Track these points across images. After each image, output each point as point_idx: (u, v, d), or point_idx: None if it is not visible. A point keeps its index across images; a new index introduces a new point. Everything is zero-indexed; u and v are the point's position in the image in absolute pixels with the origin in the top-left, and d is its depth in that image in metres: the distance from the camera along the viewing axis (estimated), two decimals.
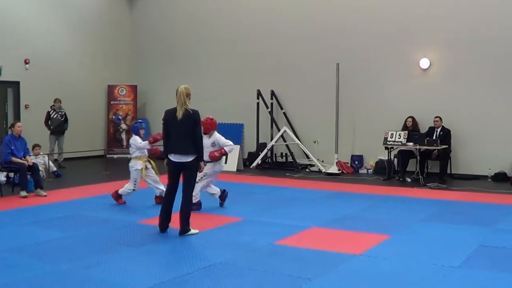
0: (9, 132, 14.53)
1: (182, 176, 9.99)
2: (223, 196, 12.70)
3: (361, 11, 19.17)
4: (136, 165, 12.60)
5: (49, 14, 20.94)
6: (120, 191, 12.70)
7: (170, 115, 9.84)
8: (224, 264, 8.20)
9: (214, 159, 12.19)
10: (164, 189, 11.25)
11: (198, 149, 9.84)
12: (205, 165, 11.04)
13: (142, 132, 12.78)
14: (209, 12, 22.22)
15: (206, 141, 11.84)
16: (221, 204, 12.62)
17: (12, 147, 13.82)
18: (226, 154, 12.38)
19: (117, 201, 12.70)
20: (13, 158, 13.73)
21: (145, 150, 12.69)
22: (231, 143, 12.38)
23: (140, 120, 13.21)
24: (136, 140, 12.61)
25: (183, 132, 9.73)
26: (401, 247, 9.33)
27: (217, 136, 12.28)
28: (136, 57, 23.99)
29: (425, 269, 8.06)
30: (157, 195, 12.74)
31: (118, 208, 12.31)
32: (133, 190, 12.68)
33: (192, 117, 9.78)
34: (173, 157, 9.81)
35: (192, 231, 9.98)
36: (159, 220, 10.06)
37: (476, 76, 17.47)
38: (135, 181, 12.61)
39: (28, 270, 7.87)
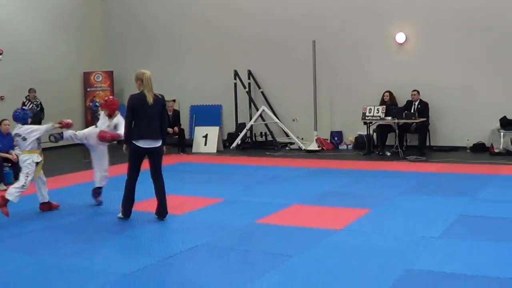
0: None
1: (149, 163, 9.80)
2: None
3: None
4: (32, 157, 10.58)
5: (20, 2, 20.73)
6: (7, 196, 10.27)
7: (138, 100, 9.54)
8: (206, 246, 8.24)
9: (104, 140, 10.90)
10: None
11: (164, 134, 9.93)
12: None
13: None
14: None
15: (107, 124, 11.10)
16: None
17: (0, 146, 13.78)
18: (116, 140, 11.16)
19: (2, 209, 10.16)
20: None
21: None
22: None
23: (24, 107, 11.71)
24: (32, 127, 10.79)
25: (153, 117, 9.59)
26: (381, 220, 9.42)
27: (120, 119, 11.08)
28: (110, 42, 23.80)
29: (406, 241, 8.13)
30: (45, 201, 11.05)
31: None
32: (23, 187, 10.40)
33: (161, 101, 9.75)
34: (142, 143, 9.54)
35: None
36: (126, 208, 9.90)
37: (452, 49, 17.50)
38: (27, 176, 10.46)
39: (9, 262, 7.84)
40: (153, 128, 9.58)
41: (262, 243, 8.28)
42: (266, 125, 19.74)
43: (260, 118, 19.75)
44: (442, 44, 17.64)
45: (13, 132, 11.00)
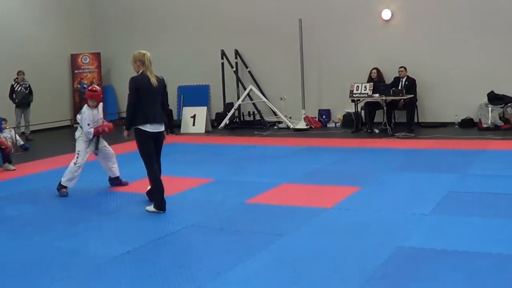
0: None
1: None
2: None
3: None
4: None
5: None
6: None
7: (143, 82, 8.95)
8: (196, 226, 8.24)
9: (101, 134, 10.97)
10: None
11: (165, 119, 9.38)
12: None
13: None
14: None
15: (98, 115, 10.89)
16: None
17: None
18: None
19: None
20: None
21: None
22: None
23: None
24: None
25: (157, 100, 9.09)
26: (371, 197, 9.44)
27: (100, 107, 11.10)
28: (97, 24, 23.62)
29: (396, 218, 8.16)
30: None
31: (88, 178, 11.88)
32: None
33: (163, 84, 9.30)
34: (150, 127, 8.95)
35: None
36: (159, 199, 9.15)
37: (438, 25, 17.51)
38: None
39: (0, 245, 7.84)
40: (158, 111, 9.09)
41: (252, 223, 8.30)
42: (254, 104, 19.72)
43: (248, 97, 19.71)
44: (428, 20, 17.64)
45: None
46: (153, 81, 8.99)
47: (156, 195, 9.19)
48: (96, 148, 10.88)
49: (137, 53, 9.20)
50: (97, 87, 11.31)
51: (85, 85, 22.13)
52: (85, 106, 10.81)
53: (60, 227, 8.60)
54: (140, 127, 8.97)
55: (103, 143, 11.06)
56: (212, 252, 7.10)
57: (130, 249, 7.31)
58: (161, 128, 9.20)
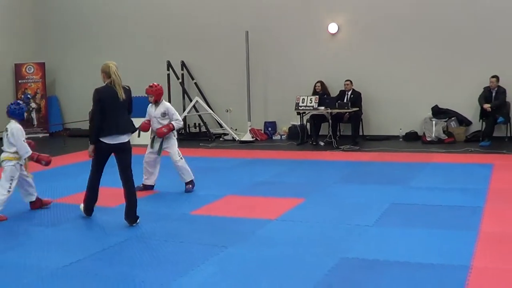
0: None
1: (117, 160, 9.06)
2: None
3: None
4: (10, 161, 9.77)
5: None
6: None
7: (108, 94, 8.76)
8: (140, 238, 8.19)
9: (162, 135, 11.61)
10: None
11: (132, 129, 9.27)
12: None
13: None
14: None
15: (154, 112, 11.60)
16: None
17: None
18: (173, 129, 11.69)
19: None
20: None
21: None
22: (179, 117, 11.82)
23: (18, 101, 10.90)
24: (20, 133, 10.17)
25: (122, 112, 8.93)
26: (316, 209, 9.48)
27: (167, 105, 11.67)
28: (42, 33, 23.34)
29: (340, 229, 8.22)
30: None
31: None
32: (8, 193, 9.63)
33: (129, 95, 9.09)
34: (109, 139, 8.75)
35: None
36: (87, 206, 9.28)
37: (384, 39, 17.69)
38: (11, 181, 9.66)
39: None
40: (121, 122, 8.88)
41: (197, 234, 8.27)
42: (199, 116, 19.69)
43: (193, 109, 19.68)
44: (374, 35, 17.82)
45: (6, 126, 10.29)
46: (121, 94, 8.81)
47: (87, 201, 9.32)
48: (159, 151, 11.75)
49: (104, 64, 8.96)
50: (155, 83, 11.92)
51: (29, 96, 21.86)
52: None
53: (2, 239, 8.44)
54: (100, 138, 8.77)
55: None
56: (156, 264, 7.06)
57: (73, 261, 7.21)
58: (123, 139, 8.91)
